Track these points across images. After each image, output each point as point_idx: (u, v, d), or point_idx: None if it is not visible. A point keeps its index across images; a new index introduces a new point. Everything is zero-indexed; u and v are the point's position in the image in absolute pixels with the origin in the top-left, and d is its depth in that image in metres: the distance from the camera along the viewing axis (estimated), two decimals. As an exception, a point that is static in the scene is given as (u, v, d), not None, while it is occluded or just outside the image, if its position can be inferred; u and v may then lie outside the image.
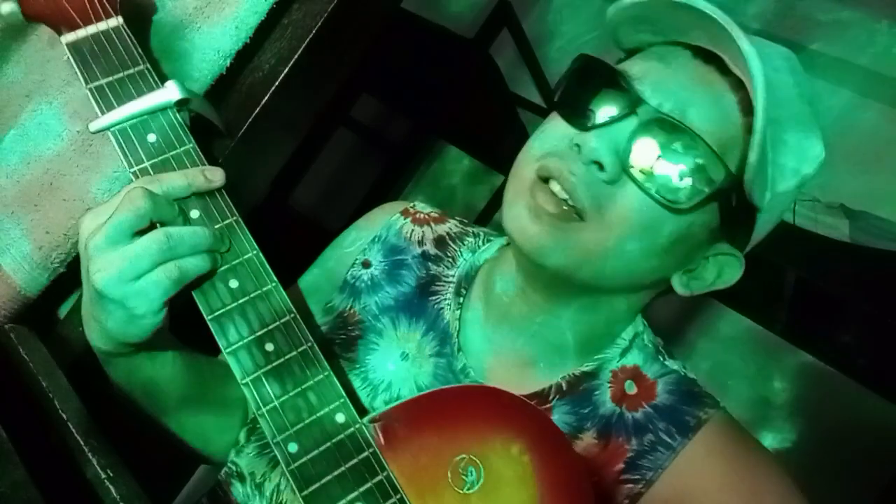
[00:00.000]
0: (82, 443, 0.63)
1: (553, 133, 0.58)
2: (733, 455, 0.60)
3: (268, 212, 2.17)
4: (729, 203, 0.55)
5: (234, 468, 0.67)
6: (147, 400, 0.64)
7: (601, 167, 0.54)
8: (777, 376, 1.75)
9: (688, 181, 0.53)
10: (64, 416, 0.65)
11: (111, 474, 0.60)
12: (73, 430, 0.64)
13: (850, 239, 1.59)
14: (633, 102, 0.55)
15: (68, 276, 0.74)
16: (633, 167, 0.54)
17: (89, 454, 0.62)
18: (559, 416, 0.62)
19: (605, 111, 0.55)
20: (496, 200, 2.28)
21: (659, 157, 0.53)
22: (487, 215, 2.24)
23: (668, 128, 0.53)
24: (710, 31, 0.54)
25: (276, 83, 0.72)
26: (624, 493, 0.59)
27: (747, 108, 0.54)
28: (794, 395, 1.72)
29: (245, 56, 0.73)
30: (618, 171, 0.54)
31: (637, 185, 0.54)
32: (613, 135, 0.54)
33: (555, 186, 0.55)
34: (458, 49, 1.86)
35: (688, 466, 0.59)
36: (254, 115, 0.73)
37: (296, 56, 0.72)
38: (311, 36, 0.72)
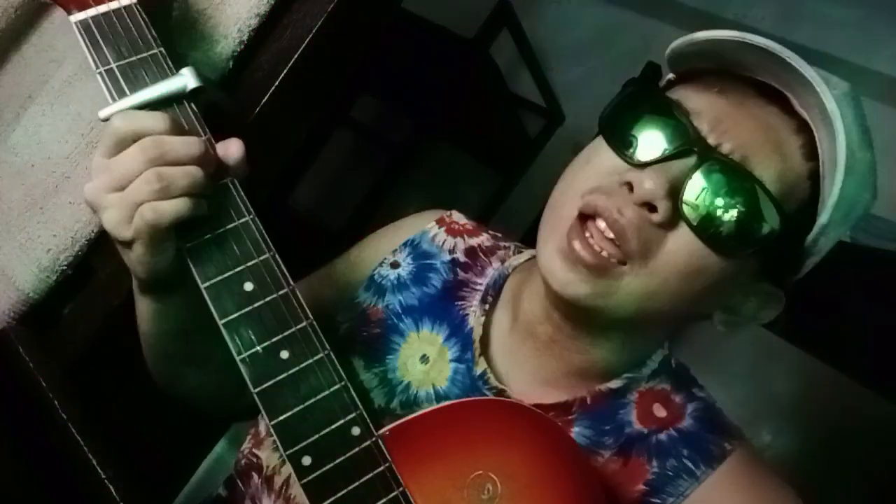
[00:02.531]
0: (82, 443, 0.63)
1: (600, 166, 0.56)
2: (756, 489, 0.59)
3: (268, 212, 2.17)
4: (783, 249, 0.54)
5: (254, 460, 0.67)
6: (172, 338, 0.63)
7: (654, 209, 0.51)
8: (777, 376, 1.75)
9: (744, 227, 0.51)
10: (64, 416, 0.65)
11: (111, 474, 0.60)
12: (73, 430, 0.64)
13: (850, 239, 1.59)
14: (691, 140, 0.52)
15: (73, 278, 0.74)
16: (687, 210, 0.51)
17: (89, 454, 0.62)
18: (579, 430, 0.61)
19: (659, 146, 0.53)
20: (496, 200, 2.28)
21: (715, 200, 0.51)
22: (487, 215, 2.24)
23: (728, 171, 0.51)
24: (778, 72, 0.52)
25: (276, 83, 0.72)
26: None
27: (810, 153, 0.53)
28: (794, 396, 1.72)
29: (245, 56, 0.73)
30: (671, 214, 0.51)
31: (690, 228, 0.52)
32: (668, 174, 0.52)
33: (601, 224, 0.53)
34: (458, 49, 1.86)
35: (710, 497, 0.58)
36: (253, 115, 0.73)
37: (296, 56, 0.72)
38: (311, 36, 0.72)
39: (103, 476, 0.60)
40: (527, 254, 0.72)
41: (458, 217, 0.78)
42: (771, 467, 0.61)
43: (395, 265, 0.74)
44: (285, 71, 0.72)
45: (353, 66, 0.80)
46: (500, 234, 0.77)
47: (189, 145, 0.50)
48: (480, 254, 0.74)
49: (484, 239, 0.76)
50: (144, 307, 0.60)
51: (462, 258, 0.73)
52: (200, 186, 0.51)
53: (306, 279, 0.77)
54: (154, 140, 0.50)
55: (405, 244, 0.75)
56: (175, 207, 0.49)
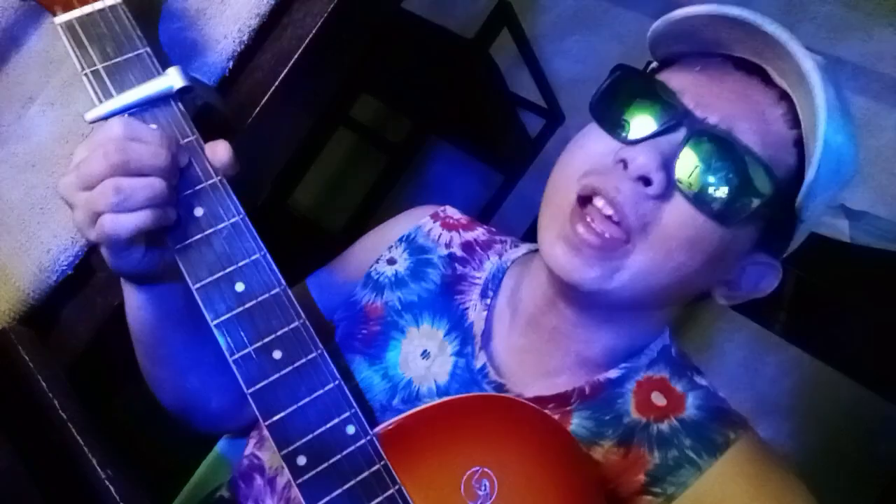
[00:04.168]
0: (82, 443, 0.63)
1: (593, 149, 0.57)
2: (760, 478, 0.58)
3: (268, 212, 2.17)
4: (776, 215, 0.55)
5: (255, 461, 0.66)
6: (160, 333, 0.63)
7: (648, 182, 0.53)
8: (777, 376, 1.75)
9: (737, 193, 0.53)
10: (64, 416, 0.65)
11: (111, 474, 0.60)
12: (73, 430, 0.64)
13: (850, 239, 1.59)
14: (679, 115, 0.54)
15: (73, 278, 0.74)
16: (681, 181, 0.53)
17: (89, 454, 0.62)
18: (579, 421, 0.61)
19: (649, 124, 0.55)
20: (496, 200, 2.28)
21: (707, 169, 0.53)
22: (487, 215, 2.24)
23: (716, 140, 0.53)
24: (754, 45, 0.54)
25: (276, 83, 0.72)
26: None
27: (792, 122, 0.55)
28: (794, 395, 1.72)
29: (245, 56, 0.73)
30: (665, 186, 0.53)
31: (686, 198, 0.53)
32: (660, 149, 0.54)
33: (599, 202, 0.54)
34: (458, 49, 1.86)
35: (712, 487, 0.58)
36: (253, 115, 0.73)
37: (296, 56, 0.72)
38: (311, 36, 0.72)
39: (103, 476, 0.60)
40: (524, 247, 0.73)
41: (451, 212, 0.79)
42: (778, 456, 0.60)
43: (391, 262, 0.74)
44: (285, 71, 0.72)
45: (353, 66, 0.80)
46: (494, 229, 0.78)
47: (155, 156, 0.49)
48: (477, 248, 0.74)
49: (480, 233, 0.76)
50: (126, 296, 0.60)
51: (459, 252, 0.73)
52: (163, 198, 0.50)
53: (302, 282, 0.77)
54: (118, 146, 0.48)
55: (401, 240, 0.75)
56: (134, 220, 0.49)
